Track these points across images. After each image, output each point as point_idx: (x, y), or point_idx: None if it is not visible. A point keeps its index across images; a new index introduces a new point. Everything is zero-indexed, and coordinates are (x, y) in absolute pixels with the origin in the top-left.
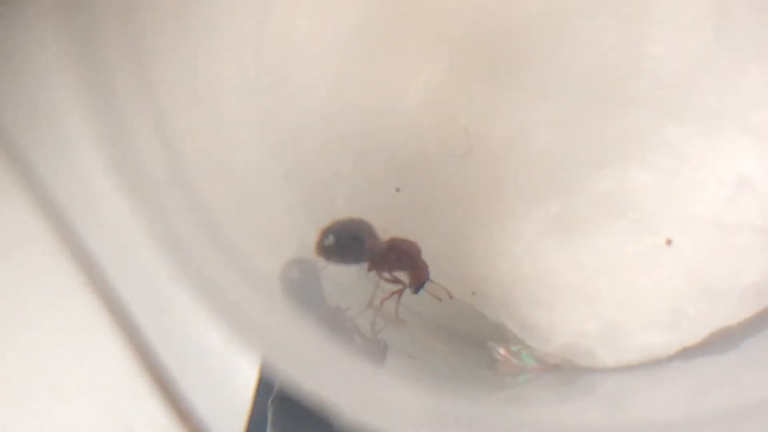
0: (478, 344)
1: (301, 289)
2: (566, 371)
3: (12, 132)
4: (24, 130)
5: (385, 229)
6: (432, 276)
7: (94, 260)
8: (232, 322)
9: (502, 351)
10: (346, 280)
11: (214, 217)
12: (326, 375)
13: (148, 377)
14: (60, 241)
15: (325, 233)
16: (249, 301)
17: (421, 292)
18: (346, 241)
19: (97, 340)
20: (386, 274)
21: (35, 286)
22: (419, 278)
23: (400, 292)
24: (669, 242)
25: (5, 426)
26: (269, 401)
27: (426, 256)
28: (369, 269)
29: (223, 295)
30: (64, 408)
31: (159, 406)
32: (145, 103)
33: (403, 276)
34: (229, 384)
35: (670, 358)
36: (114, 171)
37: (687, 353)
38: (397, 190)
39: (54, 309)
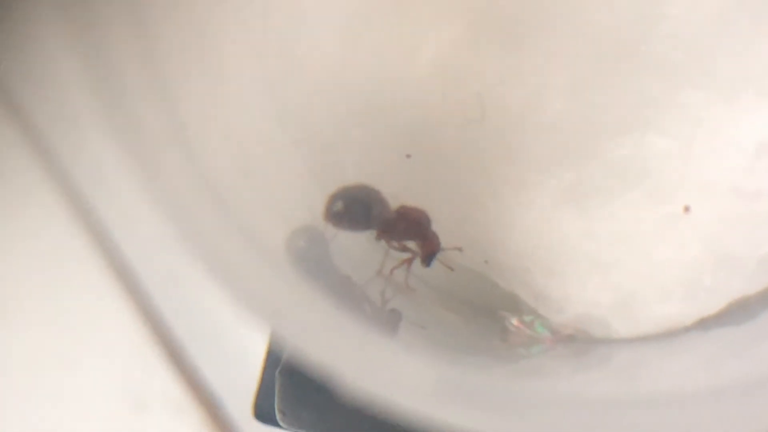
0: (491, 314)
1: (309, 258)
2: (580, 342)
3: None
4: (33, 103)
5: (396, 196)
6: (443, 245)
7: (106, 232)
8: (239, 292)
9: (514, 321)
10: (356, 249)
11: (220, 184)
12: (333, 345)
13: (159, 349)
14: (70, 212)
15: (334, 199)
16: (256, 271)
17: (432, 264)
18: (355, 207)
19: (108, 313)
20: (395, 243)
21: (46, 260)
22: (429, 249)
23: (409, 261)
24: (687, 209)
25: (17, 399)
26: (276, 372)
27: (437, 224)
28: (378, 237)
29: (229, 266)
30: (76, 381)
31: (170, 378)
32: (145, 65)
33: (413, 244)
34: (239, 355)
35: (687, 329)
36: (115, 138)
37: (704, 324)
38: (408, 156)
39: (66, 282)
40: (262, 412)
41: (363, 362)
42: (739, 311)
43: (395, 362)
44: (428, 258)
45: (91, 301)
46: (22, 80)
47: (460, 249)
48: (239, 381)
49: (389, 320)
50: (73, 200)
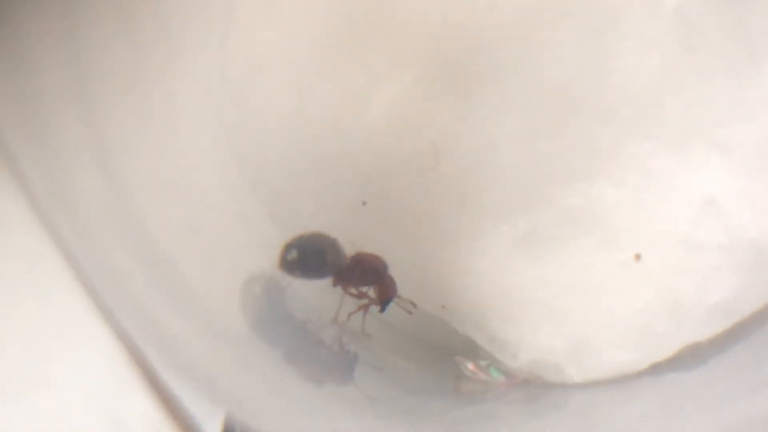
0: (447, 358)
1: (265, 305)
2: (535, 387)
3: None
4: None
5: (352, 242)
6: (400, 290)
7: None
8: (184, 371)
9: (470, 365)
10: (312, 295)
11: (165, 248)
12: (283, 415)
13: (136, 370)
14: (46, 233)
15: (288, 248)
16: (201, 347)
17: (388, 309)
18: (310, 256)
19: (85, 333)
20: (352, 289)
21: (22, 280)
22: (385, 294)
23: (366, 307)
24: (638, 257)
25: None
26: None
27: (394, 269)
28: (334, 284)
29: (174, 345)
30: (54, 401)
31: (148, 398)
32: (84, 122)
33: (370, 290)
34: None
35: (640, 374)
36: (50, 204)
37: (656, 369)
38: (364, 203)
39: (41, 302)
40: None
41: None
42: (690, 357)
43: (344, 424)
44: (384, 303)
45: (69, 320)
46: None
47: (414, 305)
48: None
49: (345, 363)
50: (48, 222)
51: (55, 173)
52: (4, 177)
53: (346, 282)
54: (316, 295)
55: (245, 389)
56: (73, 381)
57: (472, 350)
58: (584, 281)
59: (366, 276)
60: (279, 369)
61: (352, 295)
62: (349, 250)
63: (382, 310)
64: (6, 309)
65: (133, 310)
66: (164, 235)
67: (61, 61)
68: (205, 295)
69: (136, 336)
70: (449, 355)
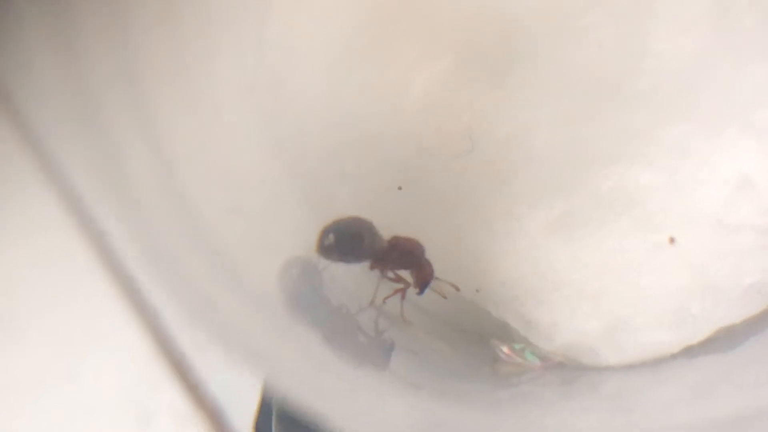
0: (482, 342)
1: (302, 288)
2: (570, 369)
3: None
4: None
5: (388, 227)
6: (436, 274)
7: (112, 245)
8: (227, 343)
9: (505, 349)
10: (349, 279)
11: (209, 226)
12: (324, 390)
13: (165, 361)
14: (77, 225)
15: (326, 232)
16: (244, 319)
17: (425, 292)
18: (347, 240)
19: (114, 326)
20: (389, 273)
21: (53, 272)
22: (423, 277)
23: (403, 291)
24: (672, 240)
25: (25, 412)
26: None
27: (429, 253)
28: (371, 268)
29: (217, 316)
30: (81, 393)
31: (176, 390)
32: (134, 107)
33: (406, 274)
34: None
35: (674, 357)
36: (100, 185)
37: (690, 351)
38: (400, 188)
39: (70, 294)
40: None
41: (353, 405)
42: (725, 339)
43: (386, 403)
44: (422, 286)
45: (97, 314)
46: (21, 83)
47: (456, 288)
48: (243, 393)
49: (382, 349)
50: (76, 212)
51: (106, 159)
52: (39, 179)
53: (383, 266)
54: (353, 279)
55: (285, 360)
56: (101, 375)
57: (507, 334)
58: (619, 263)
59: (403, 259)
60: (318, 349)
61: (389, 279)
62: (385, 234)
63: (421, 292)
64: (36, 306)
65: (178, 283)
66: (209, 215)
67: (109, 48)
68: (247, 271)
69: (178, 309)
70: (484, 338)
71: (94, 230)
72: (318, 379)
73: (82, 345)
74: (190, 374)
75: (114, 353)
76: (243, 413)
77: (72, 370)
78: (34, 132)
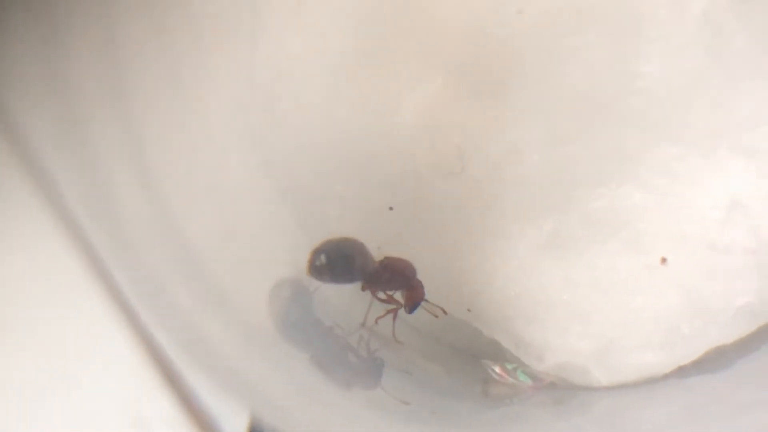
0: (474, 361)
1: (293, 310)
2: (561, 390)
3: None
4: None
5: (379, 247)
6: (427, 294)
7: (103, 255)
8: (216, 376)
9: (497, 369)
10: (339, 300)
11: (197, 248)
12: (313, 419)
13: (159, 372)
14: (69, 236)
15: (317, 253)
16: (233, 349)
17: (416, 312)
18: (339, 261)
19: (109, 335)
20: (380, 294)
21: (45, 282)
22: (414, 298)
23: (395, 312)
24: (664, 261)
25: (21, 422)
26: None
27: (421, 273)
28: (363, 289)
29: (206, 349)
30: (78, 403)
31: (171, 399)
32: (123, 127)
33: (398, 295)
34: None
35: (666, 377)
36: (90, 212)
37: (682, 372)
38: (391, 208)
39: (67, 305)
40: None
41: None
42: (716, 360)
43: (374, 427)
44: (412, 307)
45: (91, 324)
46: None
47: (444, 312)
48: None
49: (372, 368)
50: (71, 224)
51: (93, 177)
52: (33, 191)
53: (374, 286)
54: (344, 299)
55: (274, 390)
56: (96, 384)
57: (499, 353)
58: (610, 284)
59: (394, 280)
60: (307, 372)
61: (380, 300)
62: (376, 254)
63: (411, 311)
64: (32, 314)
65: (166, 312)
66: (197, 237)
67: (100, 65)
68: (236, 298)
69: (165, 337)
70: (476, 358)
71: (87, 241)
72: (305, 406)
73: (78, 355)
74: (185, 384)
75: (109, 362)
76: (236, 421)
77: (67, 379)
78: (25, 144)
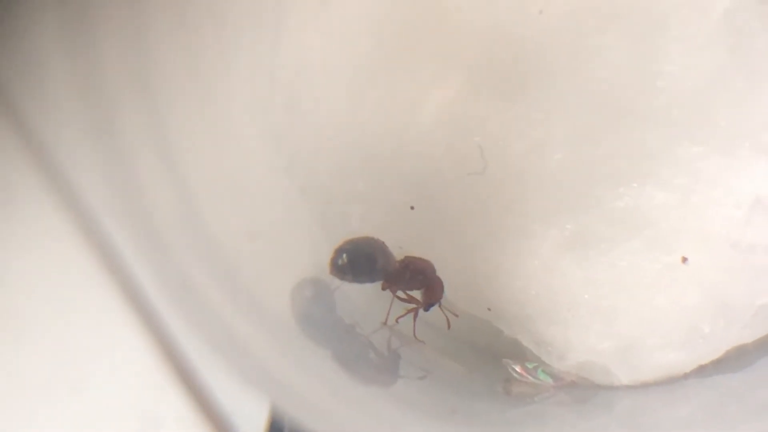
0: (495, 361)
1: (314, 308)
2: (583, 389)
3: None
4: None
5: (400, 247)
6: (448, 292)
7: (116, 252)
8: (240, 369)
9: (518, 368)
10: (360, 299)
11: (224, 249)
12: (335, 414)
13: (171, 367)
14: (84, 235)
15: (338, 252)
16: (257, 345)
17: (431, 310)
18: (360, 260)
19: (122, 333)
20: (401, 293)
21: (58, 280)
22: (432, 296)
23: (415, 311)
24: (685, 260)
25: (33, 419)
26: None
27: (441, 272)
28: (383, 288)
29: (230, 342)
30: (91, 400)
31: (182, 396)
32: (150, 132)
33: (418, 294)
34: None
35: (686, 376)
36: (117, 212)
37: (703, 371)
38: (412, 208)
39: (76, 301)
40: None
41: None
42: (737, 359)
43: (395, 425)
44: (429, 305)
45: (104, 321)
46: (23, 85)
47: (456, 315)
48: (251, 400)
49: (391, 366)
50: (81, 218)
51: (120, 176)
52: (47, 189)
53: (395, 285)
54: (364, 298)
55: (297, 384)
56: (109, 382)
57: (520, 352)
58: (632, 283)
59: (415, 279)
60: (329, 368)
61: (400, 299)
62: (397, 253)
63: (426, 309)
64: (44, 314)
65: (194, 310)
66: (220, 235)
67: (125, 57)
68: (261, 296)
69: (191, 335)
70: (498, 357)
71: (101, 239)
72: (327, 401)
73: (90, 353)
74: (196, 381)
75: (121, 361)
76: (251, 420)
77: (80, 377)
78: (38, 140)
